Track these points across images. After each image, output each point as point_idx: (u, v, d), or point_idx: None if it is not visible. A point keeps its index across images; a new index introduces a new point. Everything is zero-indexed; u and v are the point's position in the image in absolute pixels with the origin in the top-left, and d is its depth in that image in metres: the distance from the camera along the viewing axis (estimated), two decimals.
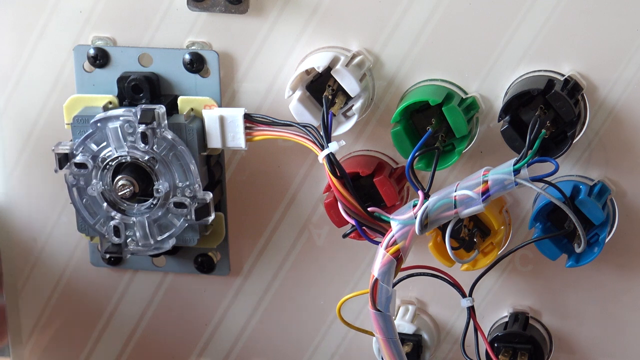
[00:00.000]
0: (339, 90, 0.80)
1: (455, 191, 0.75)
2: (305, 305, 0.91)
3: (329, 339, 0.92)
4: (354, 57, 0.81)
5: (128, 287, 0.93)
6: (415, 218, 0.74)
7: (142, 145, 0.81)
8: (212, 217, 0.83)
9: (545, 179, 0.75)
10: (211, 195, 0.82)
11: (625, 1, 0.78)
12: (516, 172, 0.74)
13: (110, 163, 0.82)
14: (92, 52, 0.85)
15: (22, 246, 0.93)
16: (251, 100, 0.85)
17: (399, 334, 0.83)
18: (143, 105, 0.81)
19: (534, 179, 0.74)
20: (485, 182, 0.74)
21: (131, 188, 0.82)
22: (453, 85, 0.81)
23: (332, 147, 0.77)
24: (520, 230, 0.85)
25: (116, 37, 0.85)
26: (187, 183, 0.82)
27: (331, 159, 0.77)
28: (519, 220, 0.85)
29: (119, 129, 0.81)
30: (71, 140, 0.83)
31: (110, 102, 0.84)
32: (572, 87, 0.78)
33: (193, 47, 0.84)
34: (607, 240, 0.81)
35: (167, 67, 0.85)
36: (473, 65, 0.81)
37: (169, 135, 0.81)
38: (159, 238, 0.84)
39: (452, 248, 0.78)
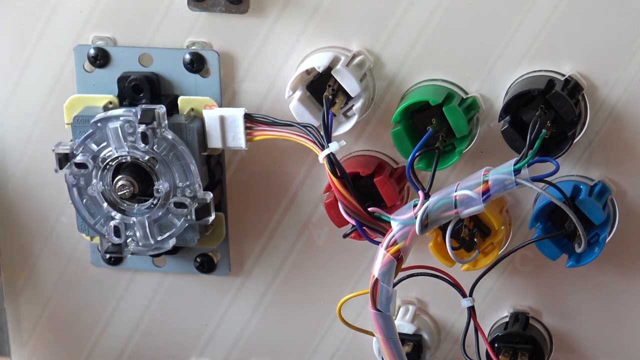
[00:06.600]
0: (340, 90, 0.80)
1: (456, 191, 0.75)
2: (305, 305, 0.91)
3: (329, 339, 0.92)
4: (354, 57, 0.81)
5: (128, 287, 0.93)
6: (416, 218, 0.74)
7: (143, 145, 0.81)
8: (212, 217, 0.83)
9: (546, 179, 0.75)
10: (211, 195, 0.82)
11: (625, 1, 0.78)
12: (516, 172, 0.74)
13: (110, 163, 0.82)
14: (92, 52, 0.85)
15: (22, 246, 0.93)
16: (251, 100, 0.85)
17: (399, 334, 0.83)
18: (143, 105, 0.81)
19: (535, 179, 0.74)
20: (486, 182, 0.74)
21: (131, 188, 0.82)
22: (453, 85, 0.81)
23: (333, 147, 0.77)
24: (521, 230, 0.85)
25: (116, 37, 0.85)
26: (188, 183, 0.82)
27: (331, 159, 0.77)
28: (519, 220, 0.85)
29: (119, 129, 0.81)
30: (71, 140, 0.83)
31: (110, 102, 0.84)
32: (573, 87, 0.78)
33: (193, 47, 0.84)
34: (607, 240, 0.81)
35: (167, 67, 0.85)
36: (473, 65, 0.81)
37: (169, 135, 0.81)
38: (159, 238, 0.84)
39: (453, 248, 0.78)
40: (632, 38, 0.78)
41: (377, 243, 0.77)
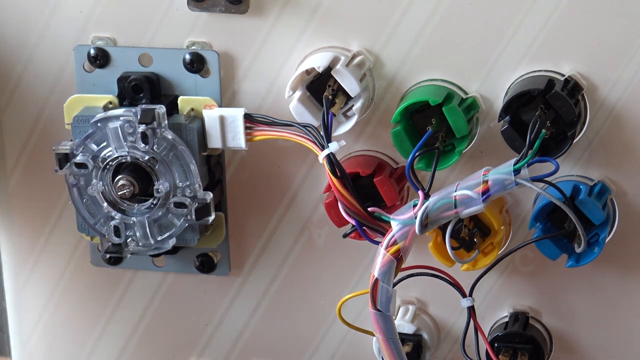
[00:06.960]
0: (339, 90, 0.80)
1: (456, 191, 0.75)
2: (305, 305, 0.91)
3: (329, 339, 0.92)
4: (354, 57, 0.81)
5: (128, 287, 0.93)
6: (416, 218, 0.74)
7: (143, 145, 0.81)
8: (212, 217, 0.83)
9: (546, 179, 0.75)
10: (211, 195, 0.82)
11: (625, 1, 0.78)
12: (516, 172, 0.74)
13: (110, 163, 0.82)
14: (92, 52, 0.85)
15: (22, 246, 0.93)
16: (251, 100, 0.85)
17: (399, 334, 0.83)
18: (143, 105, 0.81)
19: (534, 179, 0.74)
20: (486, 182, 0.74)
21: (131, 188, 0.82)
22: (453, 85, 0.81)
23: (332, 147, 0.77)
24: (521, 230, 0.85)
25: (116, 37, 0.85)
26: (187, 183, 0.82)
27: (331, 159, 0.77)
28: (519, 220, 0.85)
29: (119, 129, 0.81)
30: (71, 140, 0.83)
31: (110, 102, 0.84)
32: (572, 87, 0.78)
33: (193, 47, 0.84)
34: (607, 240, 0.81)
35: (167, 67, 0.85)
36: (473, 65, 0.81)
37: (169, 135, 0.81)
38: (159, 238, 0.84)
39: (452, 248, 0.78)
40: (632, 38, 0.78)
41: (377, 243, 0.77)
